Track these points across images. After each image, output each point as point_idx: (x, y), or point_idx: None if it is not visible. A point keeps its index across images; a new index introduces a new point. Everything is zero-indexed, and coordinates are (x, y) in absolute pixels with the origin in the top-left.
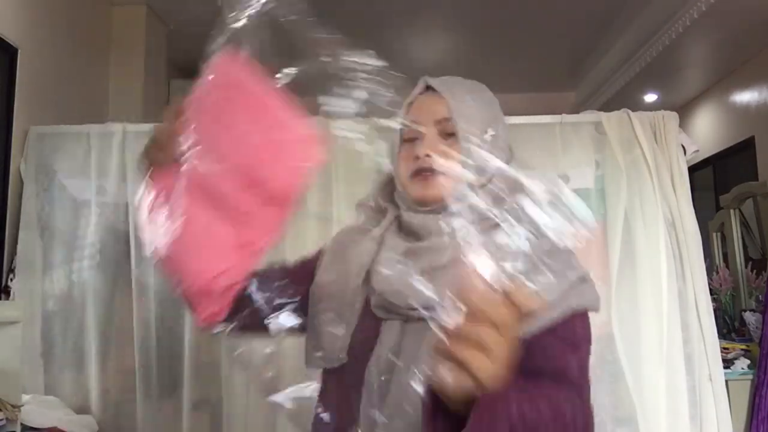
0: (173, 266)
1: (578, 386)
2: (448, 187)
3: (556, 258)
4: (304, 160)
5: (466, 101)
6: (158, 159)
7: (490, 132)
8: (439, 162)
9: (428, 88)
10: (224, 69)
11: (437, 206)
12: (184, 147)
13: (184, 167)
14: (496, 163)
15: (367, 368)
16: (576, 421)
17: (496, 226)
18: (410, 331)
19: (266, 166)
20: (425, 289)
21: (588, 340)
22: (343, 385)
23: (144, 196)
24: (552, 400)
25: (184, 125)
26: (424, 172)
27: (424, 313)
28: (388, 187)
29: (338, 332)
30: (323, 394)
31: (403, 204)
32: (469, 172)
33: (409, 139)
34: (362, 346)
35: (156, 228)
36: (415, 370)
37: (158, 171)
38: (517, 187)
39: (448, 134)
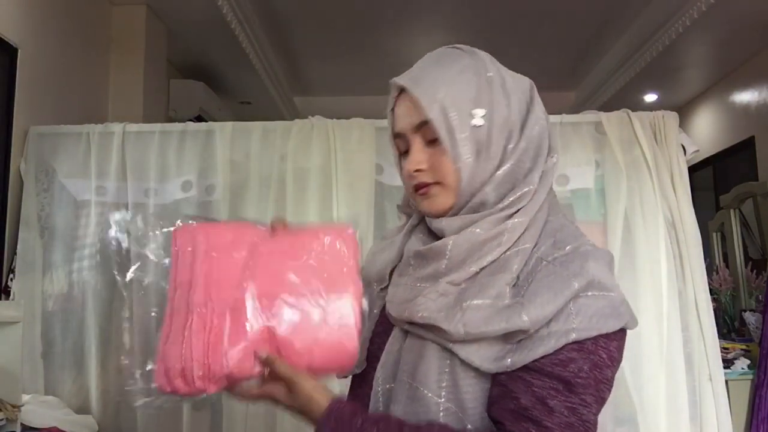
0: None
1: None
2: (452, 195)
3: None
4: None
5: (440, 91)
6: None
7: (479, 113)
8: (430, 176)
9: (402, 89)
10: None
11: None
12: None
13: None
14: (496, 148)
15: (374, 375)
16: None
17: (507, 218)
18: (409, 344)
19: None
20: (416, 308)
21: (595, 376)
22: (357, 392)
23: None
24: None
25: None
26: (421, 189)
27: (414, 329)
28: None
29: (361, 337)
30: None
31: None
32: (465, 174)
33: (402, 151)
34: (377, 352)
35: None
36: (419, 387)
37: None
38: (540, 152)
39: (434, 138)
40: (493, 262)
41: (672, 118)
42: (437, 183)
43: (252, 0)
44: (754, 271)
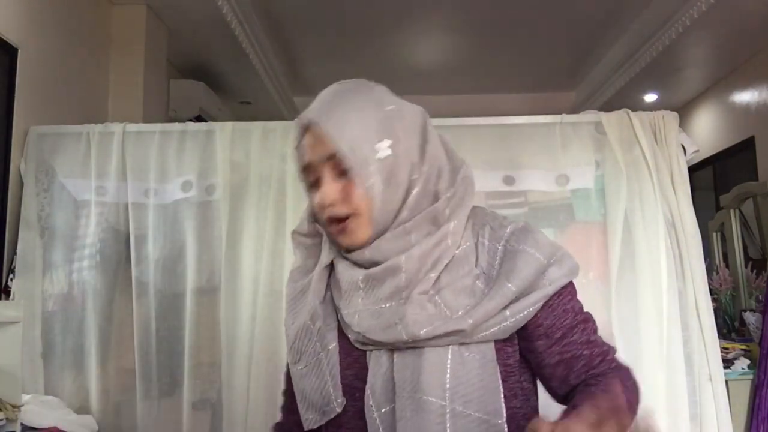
0: None
1: (607, 351)
2: (368, 225)
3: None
4: None
5: (346, 125)
6: None
7: (384, 145)
8: (343, 208)
9: (308, 125)
10: None
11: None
12: None
13: None
14: (403, 176)
15: (364, 404)
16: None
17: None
18: (402, 360)
19: None
20: (410, 328)
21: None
22: (343, 430)
23: None
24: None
25: None
26: (335, 222)
27: (413, 345)
28: None
29: (324, 379)
30: None
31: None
32: (377, 202)
33: (311, 183)
34: (354, 382)
35: None
36: (423, 396)
37: None
38: (442, 168)
39: (343, 170)
40: (448, 263)
41: (672, 118)
42: (351, 214)
43: (252, 0)
44: (754, 271)
